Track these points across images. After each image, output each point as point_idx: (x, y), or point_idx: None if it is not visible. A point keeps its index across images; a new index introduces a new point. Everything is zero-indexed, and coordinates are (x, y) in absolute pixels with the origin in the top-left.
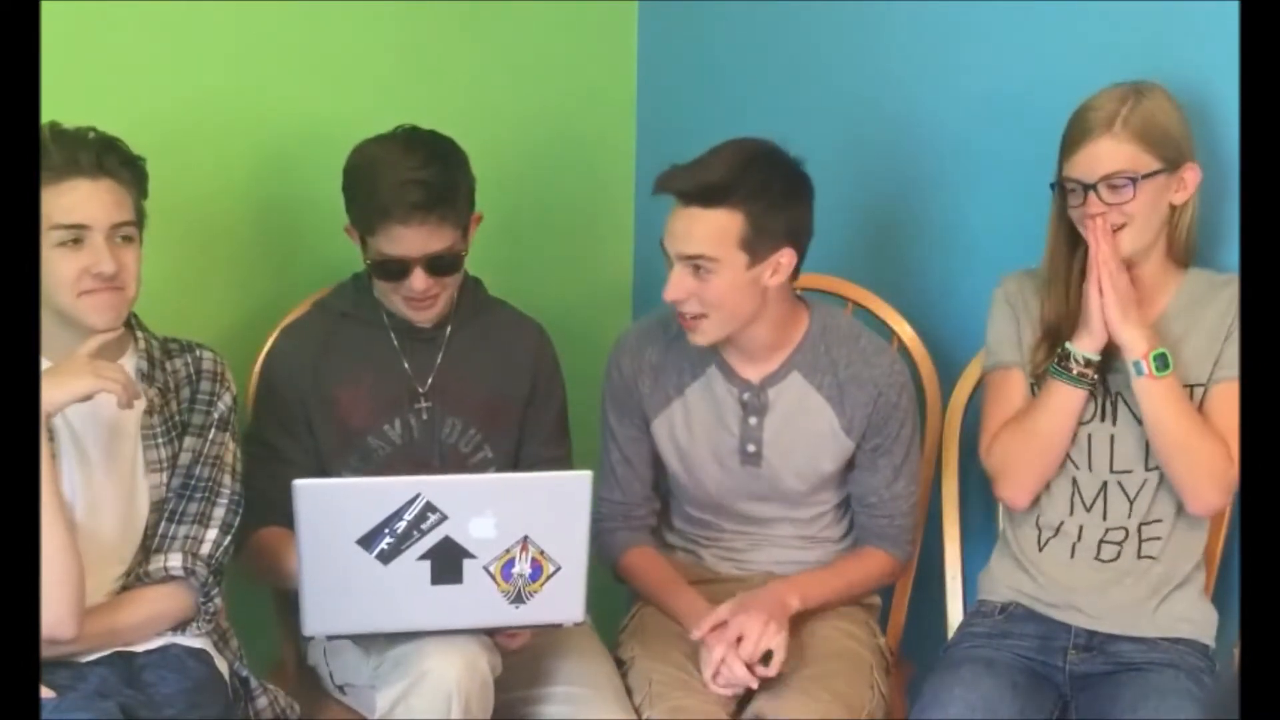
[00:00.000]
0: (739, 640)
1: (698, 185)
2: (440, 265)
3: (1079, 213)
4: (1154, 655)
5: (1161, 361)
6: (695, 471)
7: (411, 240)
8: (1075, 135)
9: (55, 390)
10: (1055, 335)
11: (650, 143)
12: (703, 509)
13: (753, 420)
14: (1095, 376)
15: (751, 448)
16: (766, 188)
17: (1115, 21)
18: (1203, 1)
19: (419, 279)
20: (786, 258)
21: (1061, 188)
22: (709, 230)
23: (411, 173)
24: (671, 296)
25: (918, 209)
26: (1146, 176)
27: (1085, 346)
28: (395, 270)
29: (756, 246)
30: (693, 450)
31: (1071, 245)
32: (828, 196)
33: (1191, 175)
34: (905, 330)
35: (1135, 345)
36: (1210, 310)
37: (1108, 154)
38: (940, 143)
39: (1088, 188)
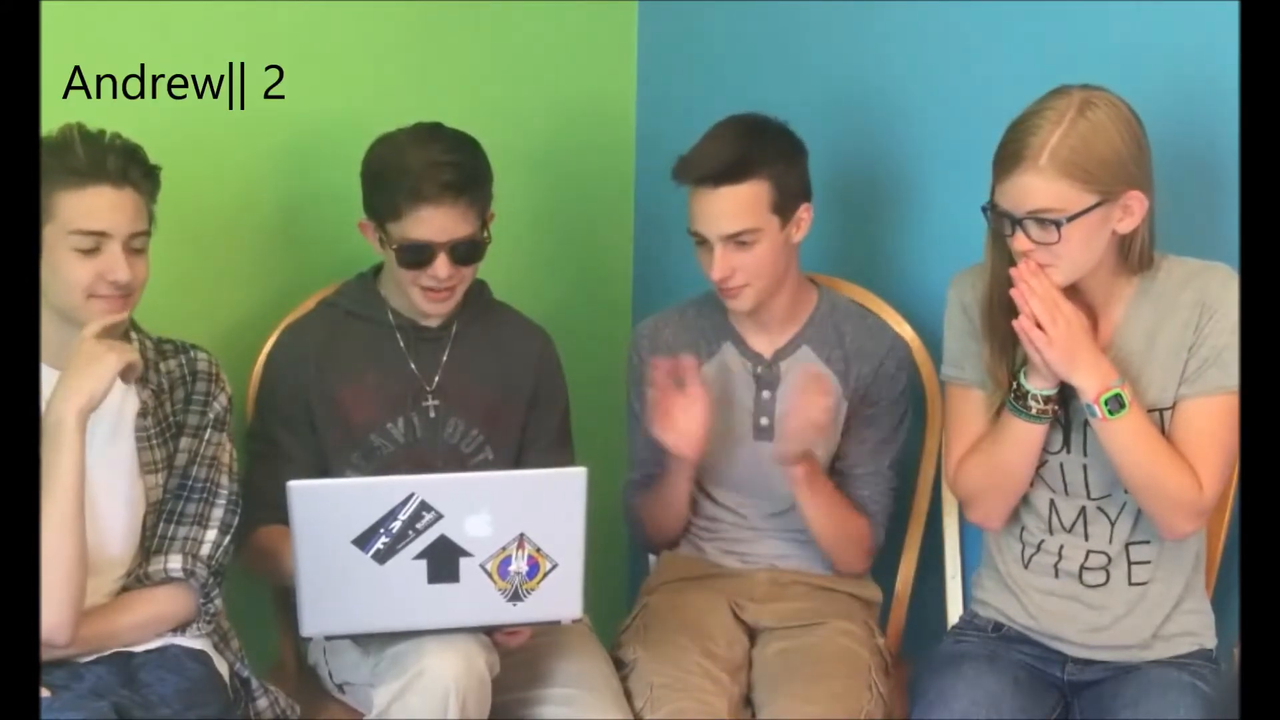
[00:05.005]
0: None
1: (723, 164)
2: (464, 252)
3: (1010, 241)
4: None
5: (1115, 403)
6: (710, 449)
7: (439, 223)
8: (1004, 160)
9: (89, 381)
10: (1006, 345)
11: (650, 143)
12: (714, 491)
13: (765, 394)
14: (1055, 409)
15: (765, 421)
16: (781, 151)
17: (1117, 19)
18: (1203, 1)
19: (442, 265)
20: (806, 212)
21: (995, 210)
22: (744, 204)
23: (442, 155)
24: (720, 275)
25: (919, 209)
26: (1075, 216)
27: (1038, 385)
28: (420, 256)
29: (784, 208)
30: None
31: (1012, 264)
32: (828, 196)
33: (1138, 202)
34: (905, 330)
35: (1086, 388)
36: (1173, 321)
37: (1034, 190)
38: (942, 142)
39: (1015, 221)
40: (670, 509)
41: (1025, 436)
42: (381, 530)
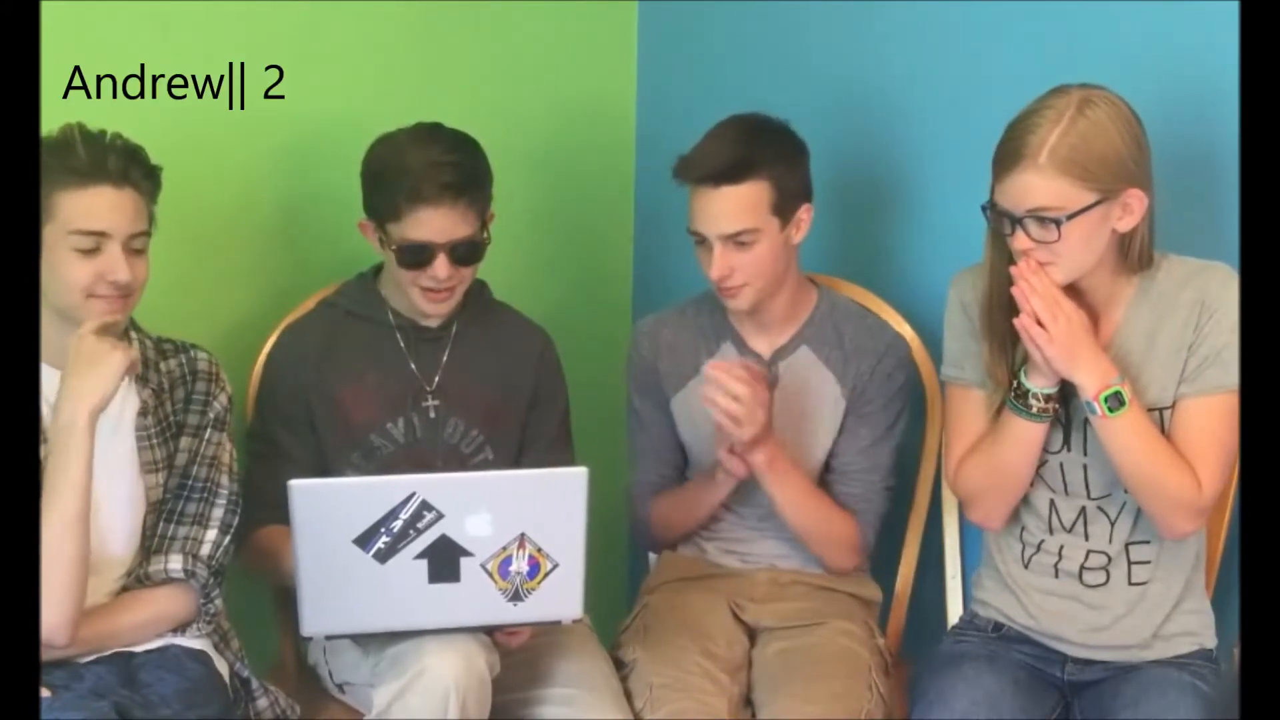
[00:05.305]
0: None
1: (723, 165)
2: (463, 253)
3: (1010, 240)
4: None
5: (1115, 400)
6: (711, 448)
7: (439, 224)
8: (1004, 159)
9: (98, 381)
10: (1006, 344)
11: (650, 143)
12: None
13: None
14: (1055, 407)
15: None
16: (782, 152)
17: (1117, 19)
18: (1203, 1)
19: (442, 266)
20: (806, 213)
21: (994, 209)
22: (744, 204)
23: (442, 156)
24: (719, 274)
25: (919, 209)
26: (1075, 215)
27: (1039, 383)
28: (419, 256)
29: (784, 209)
30: (709, 426)
31: (1012, 263)
32: (828, 196)
33: (1137, 201)
34: (905, 330)
35: (1086, 385)
36: (1173, 321)
37: (1034, 188)
38: (942, 142)
39: (1015, 220)
40: (698, 518)
41: (1025, 435)
42: (382, 530)
